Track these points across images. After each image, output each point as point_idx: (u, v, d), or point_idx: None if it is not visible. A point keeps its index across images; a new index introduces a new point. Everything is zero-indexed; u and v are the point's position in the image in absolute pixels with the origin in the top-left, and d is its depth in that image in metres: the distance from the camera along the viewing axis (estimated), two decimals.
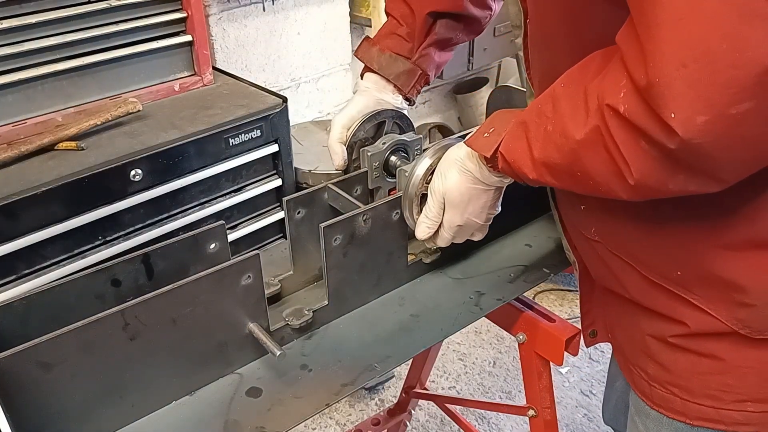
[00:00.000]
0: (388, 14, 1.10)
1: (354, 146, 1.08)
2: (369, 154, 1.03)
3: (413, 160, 1.03)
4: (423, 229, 0.93)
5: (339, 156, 1.06)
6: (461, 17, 1.07)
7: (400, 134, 1.08)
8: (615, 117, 0.61)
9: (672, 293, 0.77)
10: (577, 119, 0.66)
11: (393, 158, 1.04)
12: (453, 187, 0.88)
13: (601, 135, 0.63)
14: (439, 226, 0.93)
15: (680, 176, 0.61)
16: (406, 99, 1.10)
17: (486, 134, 0.81)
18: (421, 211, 0.97)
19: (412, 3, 1.05)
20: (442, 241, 0.95)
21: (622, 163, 0.63)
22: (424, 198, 0.96)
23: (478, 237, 0.97)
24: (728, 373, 0.76)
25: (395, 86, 1.07)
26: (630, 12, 0.59)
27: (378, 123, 1.09)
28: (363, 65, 1.10)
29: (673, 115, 0.55)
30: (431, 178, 0.93)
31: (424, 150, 0.96)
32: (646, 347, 0.83)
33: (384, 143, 1.03)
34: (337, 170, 1.08)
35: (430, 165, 0.93)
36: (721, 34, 0.52)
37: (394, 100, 1.08)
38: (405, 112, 1.12)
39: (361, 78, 1.10)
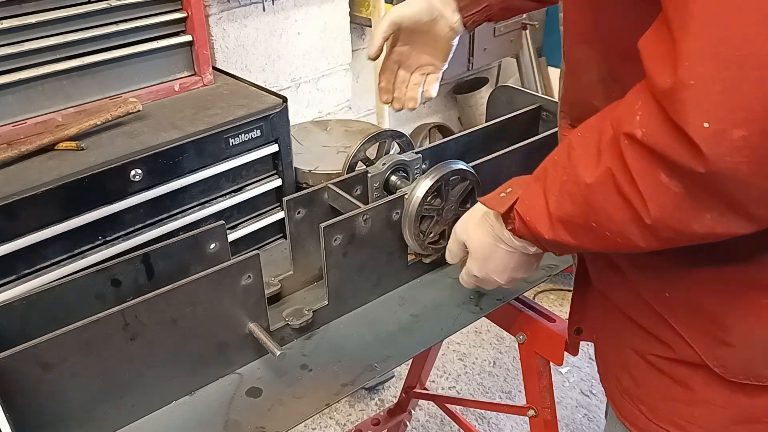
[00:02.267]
0: None
1: (354, 166, 1.09)
2: (369, 175, 1.03)
3: (413, 180, 1.04)
4: (447, 256, 0.92)
5: (375, 46, 1.04)
6: None
7: (400, 153, 1.09)
8: (631, 145, 0.55)
9: (658, 314, 0.75)
10: (588, 163, 0.61)
11: (393, 178, 1.05)
12: (474, 238, 0.84)
13: (612, 176, 0.58)
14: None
15: (707, 215, 0.53)
16: (464, 24, 1.05)
17: (502, 194, 0.76)
18: (421, 232, 0.98)
19: None
20: (463, 282, 0.91)
21: (638, 202, 0.56)
22: (423, 219, 0.97)
23: (506, 287, 0.92)
24: (697, 405, 0.74)
25: (458, 5, 1.03)
26: (661, 10, 0.53)
27: (378, 143, 1.10)
28: None
29: (706, 125, 0.47)
30: (431, 200, 0.93)
31: (424, 172, 0.97)
32: (625, 359, 0.82)
33: (384, 164, 1.04)
34: (370, 58, 1.06)
35: (430, 187, 0.94)
36: None
37: (451, 15, 1.03)
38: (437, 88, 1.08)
39: None
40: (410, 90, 1.11)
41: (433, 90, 1.10)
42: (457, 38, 1.07)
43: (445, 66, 1.11)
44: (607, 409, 1.22)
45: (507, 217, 0.76)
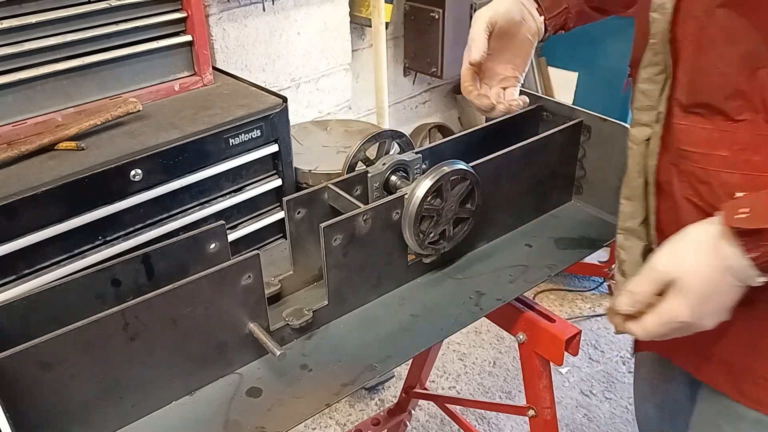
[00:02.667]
0: None
1: (354, 166, 1.09)
2: (369, 175, 1.03)
3: (413, 180, 1.04)
4: (623, 303, 0.73)
5: (481, 47, 0.99)
6: None
7: (400, 153, 1.09)
8: None
9: None
10: None
11: (393, 178, 1.05)
12: (695, 272, 0.67)
13: None
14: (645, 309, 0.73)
15: None
16: (545, 25, 1.04)
17: (742, 214, 0.63)
18: (421, 232, 0.97)
19: None
20: (644, 333, 0.72)
21: None
22: (423, 220, 0.97)
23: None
24: None
25: (539, 5, 1.02)
26: None
27: (378, 143, 1.10)
28: None
29: None
30: (431, 200, 0.92)
31: (424, 172, 0.97)
32: None
33: (384, 164, 1.04)
34: (473, 65, 1.01)
35: (430, 187, 0.94)
36: None
37: (538, 16, 1.03)
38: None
39: None
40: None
41: (522, 99, 1.05)
42: (534, 48, 1.05)
43: (522, 79, 1.08)
44: (672, 410, 1.11)
45: (760, 238, 0.62)
